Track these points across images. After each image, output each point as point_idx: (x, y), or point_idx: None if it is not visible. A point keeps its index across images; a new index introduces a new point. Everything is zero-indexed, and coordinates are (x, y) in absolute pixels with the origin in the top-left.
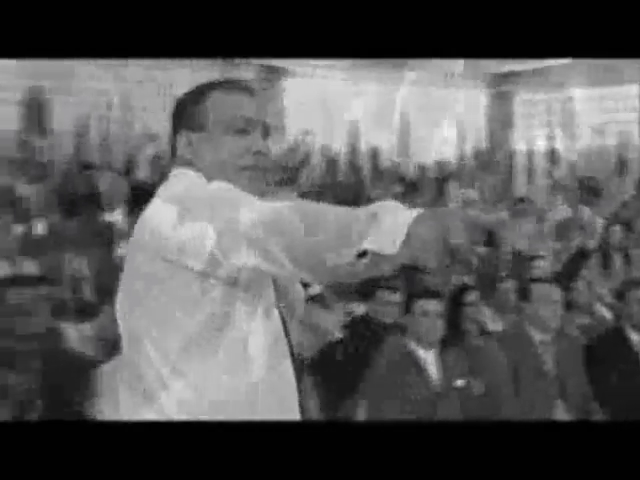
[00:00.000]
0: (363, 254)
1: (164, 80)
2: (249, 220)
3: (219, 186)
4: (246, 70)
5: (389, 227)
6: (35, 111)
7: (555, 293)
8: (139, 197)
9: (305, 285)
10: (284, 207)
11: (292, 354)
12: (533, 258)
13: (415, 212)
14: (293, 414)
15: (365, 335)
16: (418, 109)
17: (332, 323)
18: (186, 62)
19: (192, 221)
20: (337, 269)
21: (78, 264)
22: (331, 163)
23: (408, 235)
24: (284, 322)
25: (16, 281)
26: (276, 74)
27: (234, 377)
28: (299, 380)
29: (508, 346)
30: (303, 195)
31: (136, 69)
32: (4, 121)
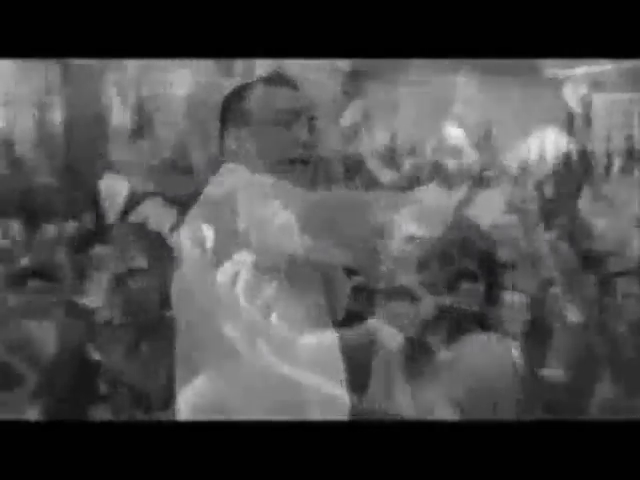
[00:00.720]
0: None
1: None
2: (256, 217)
3: (251, 181)
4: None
5: (433, 210)
6: (142, 115)
7: (636, 286)
8: None
9: (349, 275)
10: (320, 196)
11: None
12: (608, 255)
13: (458, 195)
14: (341, 408)
15: (451, 326)
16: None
17: (420, 315)
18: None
19: (189, 222)
20: (374, 249)
21: None
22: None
23: (455, 218)
24: (331, 313)
25: (130, 274)
26: (362, 79)
27: (279, 369)
28: (390, 374)
29: (590, 338)
30: None
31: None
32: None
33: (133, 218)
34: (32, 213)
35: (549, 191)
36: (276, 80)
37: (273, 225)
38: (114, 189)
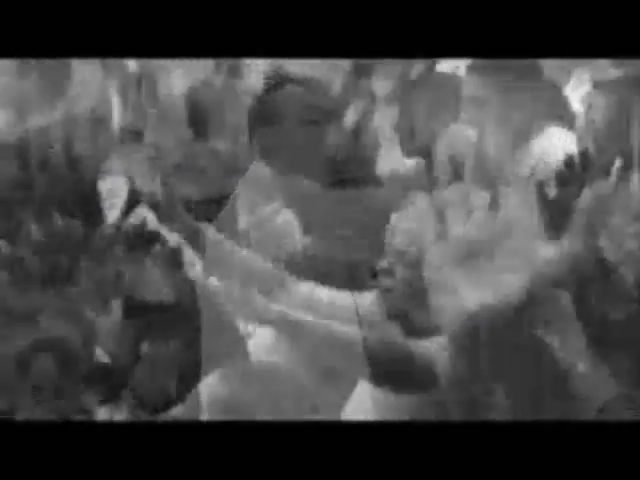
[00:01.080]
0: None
1: None
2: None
3: (253, 179)
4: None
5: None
6: (199, 116)
7: None
8: None
9: (374, 275)
10: (330, 194)
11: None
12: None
13: (482, 195)
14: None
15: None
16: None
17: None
18: None
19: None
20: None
21: None
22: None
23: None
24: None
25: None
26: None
27: (296, 362)
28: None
29: (629, 333)
30: None
31: None
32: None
33: (132, 219)
34: (90, 211)
35: (551, 192)
36: (304, 80)
37: (274, 223)
38: (114, 190)
